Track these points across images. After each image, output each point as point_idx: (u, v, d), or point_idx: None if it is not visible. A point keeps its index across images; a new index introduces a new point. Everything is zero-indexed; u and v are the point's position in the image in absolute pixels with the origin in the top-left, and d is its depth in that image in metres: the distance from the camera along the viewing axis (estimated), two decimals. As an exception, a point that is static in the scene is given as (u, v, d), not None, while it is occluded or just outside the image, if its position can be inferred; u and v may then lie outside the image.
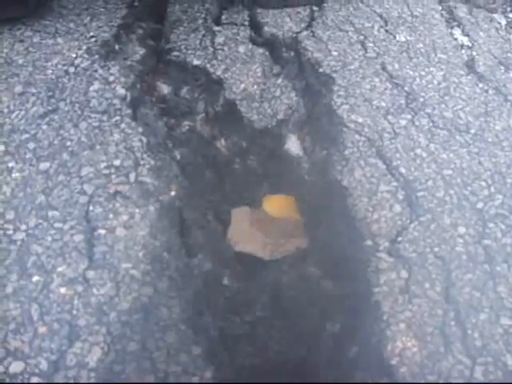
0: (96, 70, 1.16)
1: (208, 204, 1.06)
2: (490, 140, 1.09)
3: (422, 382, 0.78)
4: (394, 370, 0.80)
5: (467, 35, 1.35)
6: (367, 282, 0.89)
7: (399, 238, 0.93)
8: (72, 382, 0.77)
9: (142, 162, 1.01)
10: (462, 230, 0.94)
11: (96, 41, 1.23)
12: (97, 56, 1.20)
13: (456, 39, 1.34)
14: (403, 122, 1.11)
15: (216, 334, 0.89)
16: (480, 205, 0.98)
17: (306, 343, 0.93)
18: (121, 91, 1.12)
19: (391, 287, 0.88)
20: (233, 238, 1.04)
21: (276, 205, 1.10)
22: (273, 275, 1.00)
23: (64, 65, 1.18)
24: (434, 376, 0.79)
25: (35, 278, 0.87)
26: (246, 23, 1.26)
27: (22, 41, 1.24)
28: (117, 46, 1.24)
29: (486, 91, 1.20)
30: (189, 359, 0.80)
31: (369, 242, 0.94)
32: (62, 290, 0.85)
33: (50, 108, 1.09)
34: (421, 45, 1.30)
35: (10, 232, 0.92)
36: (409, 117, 1.12)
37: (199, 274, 0.94)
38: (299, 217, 1.03)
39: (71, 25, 1.28)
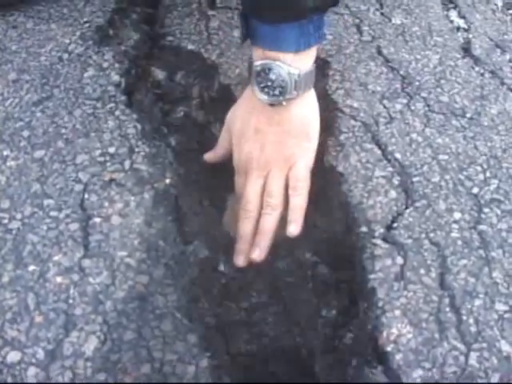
0: (90, 56, 1.16)
1: (204, 190, 1.06)
2: (485, 124, 1.09)
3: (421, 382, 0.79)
4: (389, 356, 0.80)
5: (463, 17, 1.34)
6: (363, 268, 0.90)
7: (394, 224, 0.93)
8: (70, 372, 0.78)
9: (136, 150, 1.01)
10: (457, 215, 0.95)
11: (90, 26, 1.22)
12: (91, 42, 1.19)
13: (452, 22, 1.33)
14: (399, 107, 1.11)
15: (212, 321, 0.89)
16: (475, 190, 0.98)
17: (302, 329, 0.93)
18: (115, 77, 1.12)
19: (386, 273, 0.88)
20: (229, 223, 1.04)
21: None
22: (269, 261, 1.00)
23: (58, 51, 1.17)
24: (429, 362, 0.79)
25: (31, 268, 0.87)
26: (241, 7, 1.24)
27: (15, 27, 1.23)
28: (111, 32, 1.23)
29: (482, 74, 1.19)
30: (185, 348, 0.81)
31: (364, 229, 0.94)
32: (58, 279, 0.85)
33: (44, 95, 1.09)
34: (416, 28, 1.29)
35: (6, 221, 0.92)
36: (404, 101, 1.12)
37: (195, 261, 0.93)
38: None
39: (65, 10, 1.27)
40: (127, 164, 0.98)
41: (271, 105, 0.93)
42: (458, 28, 1.31)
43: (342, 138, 1.05)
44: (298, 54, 0.89)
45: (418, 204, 0.96)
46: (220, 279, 0.97)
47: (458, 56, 1.23)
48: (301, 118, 0.96)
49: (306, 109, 0.97)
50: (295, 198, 0.98)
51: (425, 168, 1.00)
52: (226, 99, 1.16)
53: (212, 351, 0.83)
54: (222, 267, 0.98)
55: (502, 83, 1.17)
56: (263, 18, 0.87)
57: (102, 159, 0.99)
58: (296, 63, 0.89)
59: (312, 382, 0.87)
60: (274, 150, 0.96)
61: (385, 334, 0.82)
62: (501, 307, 0.84)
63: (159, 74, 1.21)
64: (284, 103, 0.92)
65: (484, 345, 0.81)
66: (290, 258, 1.00)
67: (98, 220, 0.92)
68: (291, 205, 0.98)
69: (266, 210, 0.98)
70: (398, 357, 0.80)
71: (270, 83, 0.89)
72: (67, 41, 1.19)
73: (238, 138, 1.00)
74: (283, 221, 1.02)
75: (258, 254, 0.97)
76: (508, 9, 1.38)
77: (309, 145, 0.99)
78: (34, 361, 0.78)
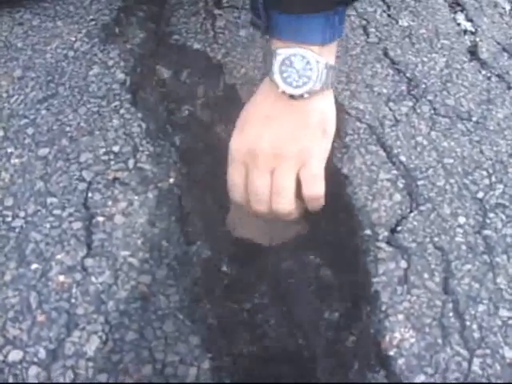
0: (96, 54, 1.15)
1: (208, 190, 1.05)
2: (491, 128, 1.08)
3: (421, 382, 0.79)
4: (391, 361, 0.80)
5: (471, 20, 1.34)
6: (366, 271, 0.89)
7: (398, 228, 0.93)
8: (71, 372, 0.77)
9: (141, 148, 1.00)
10: (462, 219, 0.94)
11: (96, 24, 1.22)
12: (96, 39, 1.19)
13: (459, 24, 1.33)
14: (404, 109, 1.10)
15: (214, 322, 0.89)
16: (480, 194, 0.98)
17: (305, 331, 0.93)
18: (120, 76, 1.12)
19: (390, 277, 0.88)
20: (232, 223, 1.04)
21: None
22: (272, 262, 1.00)
23: (63, 49, 1.17)
24: (432, 368, 0.79)
25: (34, 266, 0.86)
26: (247, 6, 1.24)
27: (21, 24, 1.23)
28: (117, 29, 1.23)
29: (489, 78, 1.19)
30: (187, 349, 0.81)
31: (368, 231, 0.93)
32: (61, 278, 0.85)
33: (49, 93, 1.08)
34: (423, 30, 1.28)
35: (9, 219, 0.91)
36: (410, 104, 1.12)
37: (198, 261, 0.93)
38: (299, 202, 1.02)
39: (71, 7, 1.26)
40: (131, 163, 0.98)
41: (291, 96, 0.87)
42: (465, 31, 1.31)
43: (347, 139, 1.05)
44: (323, 48, 0.85)
45: (422, 208, 0.95)
46: (223, 280, 0.97)
47: (465, 59, 1.22)
48: (320, 112, 0.89)
49: (327, 105, 0.90)
50: (312, 190, 0.91)
51: (430, 171, 1.00)
52: (231, 99, 1.16)
53: (214, 352, 0.83)
54: (224, 267, 0.98)
55: (509, 87, 1.17)
56: (288, 9, 0.83)
57: (106, 158, 0.99)
58: (322, 56, 0.85)
59: (313, 383, 0.87)
60: (286, 141, 0.87)
61: (387, 338, 0.82)
62: (505, 313, 0.84)
63: (164, 73, 1.21)
64: (306, 95, 0.86)
65: (487, 351, 0.80)
66: (294, 259, 1.00)
67: (101, 219, 0.91)
68: (307, 196, 0.91)
69: (277, 212, 0.92)
70: (401, 361, 0.80)
71: (294, 72, 0.84)
72: (73, 38, 1.19)
73: (242, 123, 0.92)
74: (287, 223, 1.01)
75: None
76: (516, 12, 1.37)
77: (325, 142, 0.91)
78: (35, 360, 0.78)
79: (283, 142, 0.88)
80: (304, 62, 0.84)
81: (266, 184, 0.90)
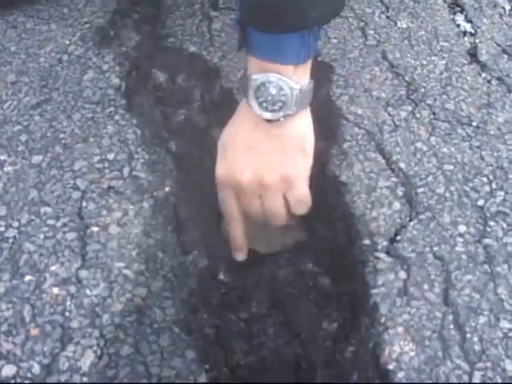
0: (90, 58, 1.14)
1: (204, 197, 1.04)
2: (492, 133, 1.07)
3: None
4: (391, 374, 0.79)
5: (470, 21, 1.32)
6: (365, 282, 0.88)
7: (398, 237, 0.92)
8: (64, 387, 0.76)
9: (136, 156, 0.99)
10: (462, 228, 0.93)
11: (90, 27, 1.20)
12: (91, 43, 1.17)
13: (459, 26, 1.31)
14: (404, 114, 1.09)
15: (211, 332, 0.88)
16: (481, 202, 0.96)
17: (302, 341, 0.92)
18: (115, 80, 1.10)
19: (389, 288, 0.86)
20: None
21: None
22: (269, 270, 0.99)
23: (57, 52, 1.15)
24: (432, 382, 0.78)
25: (27, 278, 0.85)
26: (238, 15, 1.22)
27: (14, 27, 1.21)
28: (112, 32, 1.21)
29: (489, 81, 1.17)
30: (183, 363, 0.79)
31: (367, 241, 0.92)
32: (55, 291, 0.84)
33: (42, 98, 1.07)
34: (423, 32, 1.27)
35: (2, 229, 0.90)
36: (409, 108, 1.10)
37: (194, 271, 0.92)
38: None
39: (65, 10, 1.25)
40: (126, 171, 0.97)
41: (268, 121, 0.88)
42: (465, 32, 1.29)
43: (345, 146, 1.04)
44: (298, 67, 0.85)
45: (422, 216, 0.94)
46: (219, 289, 0.96)
47: (465, 62, 1.21)
48: (298, 133, 0.90)
49: (303, 125, 0.91)
50: (299, 210, 0.94)
51: (429, 178, 0.99)
52: (227, 103, 1.14)
53: (210, 363, 0.82)
54: (221, 276, 0.97)
55: (509, 90, 1.15)
56: (263, 27, 0.82)
57: (100, 166, 0.97)
58: (296, 77, 0.85)
59: (309, 382, 0.86)
60: (269, 170, 0.90)
61: (387, 351, 0.81)
62: (506, 325, 0.83)
63: (160, 77, 1.19)
64: (282, 119, 0.87)
65: (488, 364, 0.79)
66: (291, 267, 0.99)
67: (95, 229, 0.90)
68: (297, 213, 0.95)
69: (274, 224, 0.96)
70: (401, 375, 0.79)
71: (270, 97, 0.85)
72: (67, 42, 1.17)
73: (224, 150, 0.93)
74: (285, 230, 1.00)
75: None
76: (516, 13, 1.35)
77: (305, 162, 0.92)
78: (29, 375, 0.77)
79: (266, 171, 0.90)
80: (278, 87, 0.84)
81: (258, 206, 0.93)
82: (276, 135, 0.89)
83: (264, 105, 0.86)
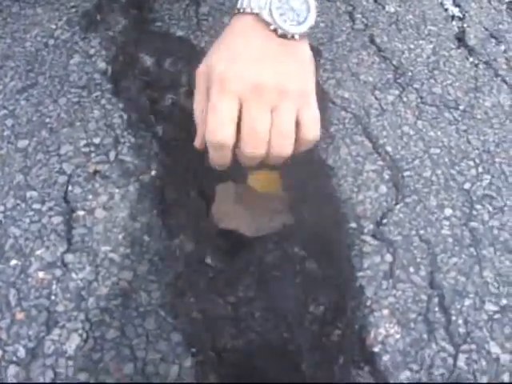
0: (76, 43, 1.13)
1: (191, 181, 1.04)
2: (479, 117, 1.07)
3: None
4: (376, 357, 0.79)
5: (458, 6, 1.32)
6: (351, 265, 0.88)
7: (384, 220, 0.92)
8: (51, 371, 0.76)
9: (122, 140, 0.99)
10: (448, 211, 0.93)
11: (77, 11, 1.19)
12: (77, 27, 1.16)
13: (447, 10, 1.31)
14: (391, 98, 1.09)
15: (198, 316, 0.88)
16: (467, 185, 0.96)
17: (289, 325, 0.92)
18: (101, 65, 1.09)
19: (375, 271, 0.87)
20: (216, 214, 1.03)
21: (261, 180, 1.08)
22: (257, 254, 0.99)
23: (43, 37, 1.14)
24: (417, 364, 0.78)
25: (13, 262, 0.85)
26: (232, -8, 1.21)
27: (0, 11, 1.20)
28: (98, 17, 1.20)
29: (476, 65, 1.17)
30: (168, 347, 0.79)
31: (353, 224, 0.92)
32: (41, 275, 0.84)
33: (28, 83, 1.06)
34: (410, 16, 1.27)
35: (-13, 214, 0.90)
36: (396, 92, 1.10)
37: (181, 255, 0.92)
38: (284, 193, 1.01)
39: (51, -6, 1.24)
40: (112, 155, 0.96)
41: (282, 36, 0.81)
42: (453, 17, 1.29)
43: (332, 129, 1.03)
44: None
45: (408, 200, 0.94)
46: (206, 272, 0.95)
47: (452, 46, 1.21)
48: (309, 53, 0.86)
49: (308, 46, 0.86)
50: (313, 133, 0.85)
51: (416, 162, 0.99)
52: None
53: (197, 347, 0.82)
54: (208, 260, 0.97)
55: (497, 75, 1.15)
56: None
57: (86, 150, 0.97)
58: None
59: (303, 383, 0.86)
60: (289, 77, 0.81)
61: (372, 334, 0.81)
62: (491, 307, 0.83)
63: (147, 61, 1.19)
64: (296, 37, 0.81)
65: (473, 346, 0.80)
66: (278, 251, 0.99)
67: (81, 213, 0.90)
68: (305, 139, 0.85)
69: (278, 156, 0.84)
70: (386, 358, 0.79)
71: (291, 11, 0.80)
72: (53, 26, 1.16)
73: (230, 57, 0.82)
74: (273, 214, 1.00)
75: None
76: (504, -3, 1.35)
77: (315, 83, 0.85)
78: (14, 359, 0.77)
79: (286, 79, 0.81)
80: (299, 1, 0.81)
81: (269, 123, 0.82)
82: (292, 50, 0.83)
83: (284, 18, 0.81)
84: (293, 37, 0.82)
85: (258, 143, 0.81)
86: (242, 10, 0.84)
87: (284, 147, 0.82)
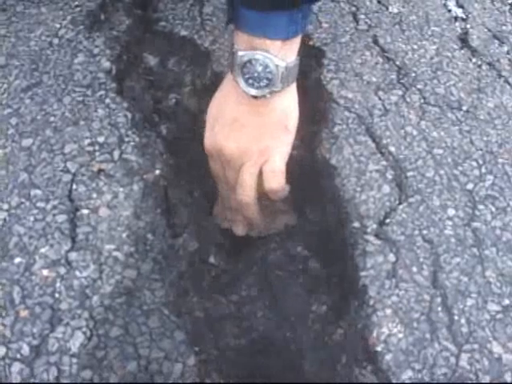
0: (81, 42, 1.13)
1: (194, 180, 1.04)
2: (482, 118, 1.07)
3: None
4: (379, 356, 0.80)
5: (461, 7, 1.32)
6: (354, 265, 0.88)
7: (387, 220, 0.92)
8: (55, 369, 0.76)
9: (126, 139, 0.99)
10: (451, 212, 0.93)
11: (81, 10, 1.20)
12: (82, 27, 1.16)
13: (450, 11, 1.31)
14: (394, 99, 1.09)
15: (201, 315, 0.88)
16: (470, 186, 0.97)
17: (292, 324, 0.92)
18: (106, 64, 1.10)
19: (378, 271, 0.87)
20: (219, 214, 1.03)
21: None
22: (260, 253, 0.99)
23: (48, 36, 1.14)
24: (420, 363, 0.78)
25: (17, 260, 0.85)
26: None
27: (4, 10, 1.20)
28: (102, 16, 1.20)
29: (479, 66, 1.17)
30: (172, 345, 0.80)
31: (356, 224, 0.92)
32: (45, 273, 0.84)
33: (33, 81, 1.06)
34: (414, 17, 1.27)
35: (-8, 212, 0.90)
36: (400, 93, 1.10)
37: (184, 254, 0.92)
38: (288, 193, 1.01)
39: (56, -7, 1.24)
40: (116, 154, 0.97)
41: (254, 97, 0.88)
42: (456, 18, 1.29)
43: (335, 129, 1.04)
44: (285, 43, 0.85)
45: (411, 200, 0.94)
46: (210, 272, 0.96)
47: (456, 47, 1.21)
48: (281, 110, 0.91)
49: (288, 101, 0.92)
50: (271, 184, 0.95)
51: (419, 162, 0.99)
52: (218, 87, 1.14)
53: (200, 346, 0.83)
54: (211, 259, 0.97)
55: (500, 76, 1.15)
56: (253, 4, 0.82)
57: (90, 149, 0.97)
58: (283, 53, 0.85)
59: (305, 383, 0.86)
60: (250, 141, 0.92)
61: (375, 333, 0.81)
62: (493, 307, 0.83)
63: (151, 61, 1.19)
64: (268, 96, 0.87)
65: (475, 346, 0.80)
66: (281, 251, 0.99)
67: (85, 212, 0.90)
68: (267, 188, 0.95)
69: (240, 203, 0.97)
70: (388, 357, 0.79)
71: (256, 74, 0.85)
72: (57, 25, 1.16)
73: (212, 122, 0.95)
74: (276, 213, 1.01)
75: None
76: (507, -2, 1.35)
77: (286, 138, 0.93)
78: (18, 356, 0.77)
79: (247, 143, 0.92)
80: (264, 65, 0.85)
81: (234, 177, 0.95)
82: (260, 111, 0.90)
83: (250, 81, 0.86)
84: (264, 96, 0.88)
85: (228, 188, 0.98)
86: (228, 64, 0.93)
87: (241, 196, 0.95)
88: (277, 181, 0.94)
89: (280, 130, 0.92)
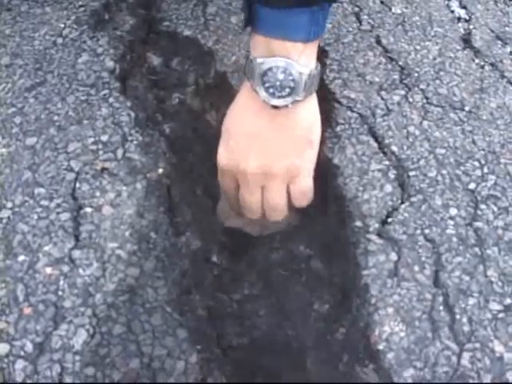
0: (85, 41, 1.14)
1: (197, 179, 1.04)
2: (484, 118, 1.07)
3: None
4: (380, 355, 0.80)
5: (464, 7, 1.32)
6: (356, 263, 0.89)
7: (389, 219, 0.92)
8: (58, 366, 0.77)
9: (129, 138, 0.99)
10: (453, 211, 0.93)
11: (85, 10, 1.20)
12: (86, 26, 1.17)
13: (453, 11, 1.31)
14: (396, 98, 1.09)
15: (203, 314, 0.88)
16: (472, 185, 0.97)
17: (294, 322, 0.92)
18: (109, 63, 1.10)
19: (380, 270, 0.87)
20: (222, 214, 1.03)
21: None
22: (262, 252, 1.00)
23: (52, 35, 1.15)
24: (421, 362, 0.79)
25: (21, 258, 0.86)
26: (239, -8, 1.22)
27: (9, 9, 1.21)
28: (106, 16, 1.21)
29: (482, 67, 1.17)
30: (174, 343, 0.80)
31: (358, 223, 0.93)
32: (48, 270, 0.85)
33: (37, 81, 1.07)
34: (417, 17, 1.27)
35: (-4, 210, 0.91)
36: (402, 93, 1.10)
37: (187, 253, 0.92)
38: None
39: (60, -7, 1.25)
40: (120, 153, 0.97)
41: (275, 107, 0.82)
42: (459, 18, 1.29)
43: (338, 129, 1.04)
44: (306, 46, 0.80)
45: (413, 199, 0.94)
46: (212, 270, 0.96)
47: (458, 47, 1.21)
48: (305, 122, 0.86)
49: (310, 112, 0.87)
50: (301, 204, 0.93)
51: (421, 162, 0.99)
52: (222, 86, 1.15)
53: (203, 344, 0.83)
54: (214, 258, 0.97)
55: (502, 76, 1.16)
56: (273, 2, 0.77)
57: (94, 147, 0.97)
58: (304, 59, 0.80)
59: (308, 383, 0.86)
60: (274, 158, 0.86)
61: (377, 331, 0.82)
62: (495, 306, 0.84)
63: (154, 60, 1.19)
64: (290, 106, 0.82)
65: (477, 345, 0.80)
66: (284, 250, 0.99)
67: (89, 210, 0.91)
68: (297, 206, 0.93)
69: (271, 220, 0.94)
70: (390, 355, 0.79)
71: (277, 83, 0.79)
72: (62, 25, 1.17)
73: (227, 136, 0.89)
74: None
75: None
76: (510, -1, 1.35)
77: (312, 152, 0.89)
78: (22, 353, 0.77)
79: (271, 160, 0.86)
80: (287, 72, 0.79)
81: (258, 200, 0.91)
82: (282, 123, 0.85)
83: (271, 90, 0.81)
84: (286, 106, 0.83)
85: (251, 212, 0.94)
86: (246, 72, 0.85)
87: (275, 216, 0.94)
88: (307, 199, 0.92)
89: (304, 145, 0.87)
